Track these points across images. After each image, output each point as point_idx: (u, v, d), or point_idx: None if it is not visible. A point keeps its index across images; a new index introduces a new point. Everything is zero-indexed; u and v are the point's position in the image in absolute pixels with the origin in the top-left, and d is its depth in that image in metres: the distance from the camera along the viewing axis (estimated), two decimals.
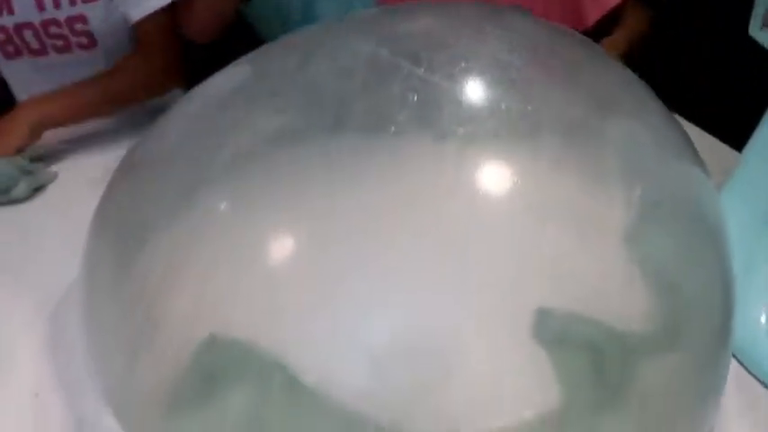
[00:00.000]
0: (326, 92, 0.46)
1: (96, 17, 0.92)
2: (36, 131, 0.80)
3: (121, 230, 0.50)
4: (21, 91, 0.99)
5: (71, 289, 0.56)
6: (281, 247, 0.44)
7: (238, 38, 1.00)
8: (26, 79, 0.97)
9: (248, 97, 0.49)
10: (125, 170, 0.54)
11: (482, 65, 0.47)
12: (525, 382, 0.40)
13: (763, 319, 0.50)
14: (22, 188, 0.72)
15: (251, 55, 0.52)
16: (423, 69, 0.44)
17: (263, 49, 0.53)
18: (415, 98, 0.44)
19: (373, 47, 0.46)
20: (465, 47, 0.48)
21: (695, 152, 0.48)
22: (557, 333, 0.42)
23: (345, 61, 0.47)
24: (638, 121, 0.50)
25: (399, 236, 0.42)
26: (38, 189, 0.75)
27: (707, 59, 0.99)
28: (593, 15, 0.87)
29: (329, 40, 0.51)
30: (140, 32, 0.95)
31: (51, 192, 0.75)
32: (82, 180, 0.74)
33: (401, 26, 0.52)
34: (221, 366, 0.41)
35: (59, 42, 0.93)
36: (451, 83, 0.46)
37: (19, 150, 0.77)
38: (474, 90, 0.47)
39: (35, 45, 0.93)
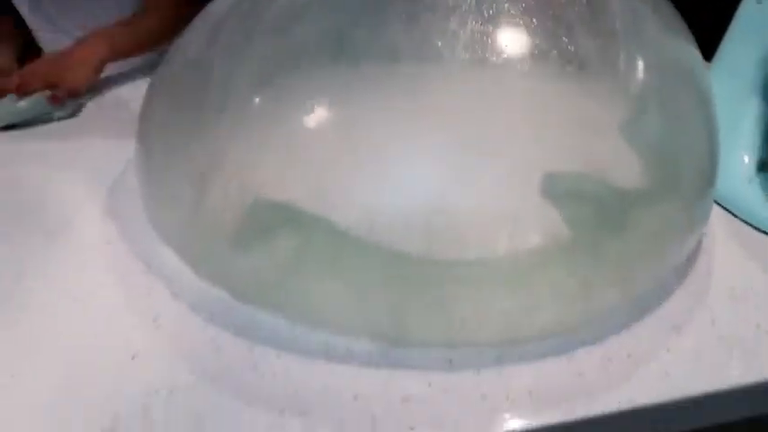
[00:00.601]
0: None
1: None
2: (103, 63, 0.84)
3: (174, 112, 0.56)
4: (35, 25, 1.01)
5: (126, 167, 0.63)
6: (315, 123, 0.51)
7: None
8: (42, 15, 0.98)
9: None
10: (169, 66, 0.60)
11: None
12: (539, 222, 0.48)
13: (744, 169, 0.56)
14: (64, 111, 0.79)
15: None
16: None
17: None
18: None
19: None
20: None
21: (688, 31, 0.54)
22: (563, 189, 0.50)
23: None
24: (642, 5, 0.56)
25: (426, 112, 0.49)
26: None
27: None
28: None
29: None
30: None
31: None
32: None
33: None
34: (272, 218, 0.48)
35: None
36: None
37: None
38: None
39: None
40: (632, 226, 0.51)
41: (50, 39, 1.01)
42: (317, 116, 0.52)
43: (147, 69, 0.91)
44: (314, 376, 0.41)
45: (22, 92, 0.75)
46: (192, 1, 0.97)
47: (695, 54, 0.54)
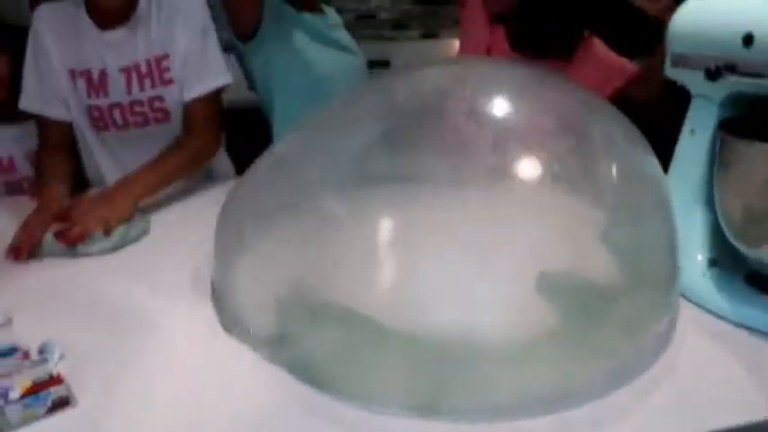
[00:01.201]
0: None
1: (172, 96, 1.16)
2: (137, 202, 1.01)
3: (248, 219, 0.73)
4: (100, 156, 1.21)
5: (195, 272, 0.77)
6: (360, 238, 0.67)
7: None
8: (106, 149, 1.20)
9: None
10: (247, 178, 0.77)
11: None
12: (532, 313, 0.62)
13: (698, 265, 0.70)
14: (133, 235, 0.96)
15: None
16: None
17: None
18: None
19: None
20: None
21: (648, 146, 0.70)
22: (553, 285, 0.64)
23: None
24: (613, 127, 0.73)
25: (451, 225, 0.66)
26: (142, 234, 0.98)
27: None
28: (617, 82, 1.06)
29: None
30: (192, 112, 1.17)
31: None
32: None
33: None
34: (324, 313, 0.63)
35: (140, 119, 1.17)
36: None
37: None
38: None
39: (120, 121, 1.16)
40: (612, 314, 0.64)
41: (108, 167, 1.21)
42: (365, 230, 0.68)
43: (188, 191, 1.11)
44: None
45: (85, 236, 0.91)
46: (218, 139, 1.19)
47: (658, 169, 0.70)
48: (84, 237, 0.90)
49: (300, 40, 1.26)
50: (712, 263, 0.71)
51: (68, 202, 1.00)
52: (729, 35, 0.63)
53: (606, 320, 0.64)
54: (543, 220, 0.71)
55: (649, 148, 0.71)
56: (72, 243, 0.90)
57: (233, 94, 1.25)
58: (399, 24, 2.68)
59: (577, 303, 0.65)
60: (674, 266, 0.67)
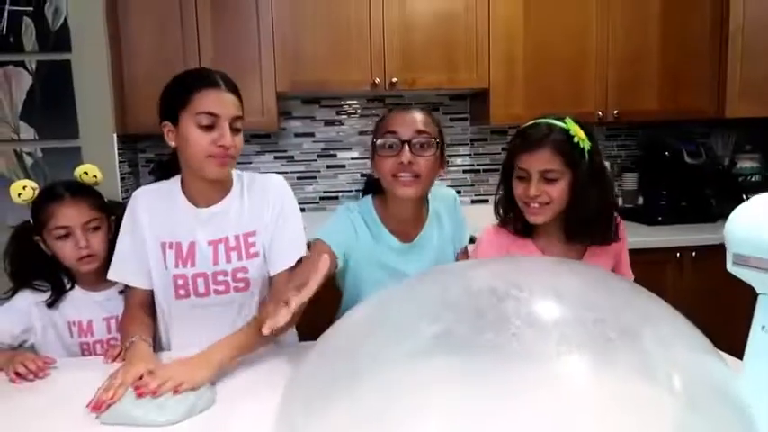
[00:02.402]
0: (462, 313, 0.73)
1: (255, 268, 1.24)
2: (217, 371, 1.06)
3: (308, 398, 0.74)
4: (173, 322, 1.27)
5: None
6: None
7: None
8: (182, 314, 1.26)
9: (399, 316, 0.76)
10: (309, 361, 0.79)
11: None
12: None
13: None
14: (206, 401, 0.99)
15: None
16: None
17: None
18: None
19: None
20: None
21: (715, 350, 0.70)
22: None
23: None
24: (673, 330, 0.74)
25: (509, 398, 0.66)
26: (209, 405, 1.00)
27: None
28: None
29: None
30: (276, 285, 1.25)
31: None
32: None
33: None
34: None
35: (221, 287, 1.24)
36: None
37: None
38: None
39: (202, 289, 1.24)
40: None
41: (179, 334, 1.26)
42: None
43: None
44: None
45: (157, 392, 0.96)
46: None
47: (723, 367, 0.69)
48: (156, 392, 0.94)
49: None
50: None
51: (154, 364, 1.05)
52: None
53: None
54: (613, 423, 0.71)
55: (712, 347, 0.71)
56: (144, 395, 0.94)
57: None
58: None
59: None
60: None
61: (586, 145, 1.19)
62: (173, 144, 1.20)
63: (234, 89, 1.20)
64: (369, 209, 1.26)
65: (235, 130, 1.18)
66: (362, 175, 2.75)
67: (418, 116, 1.20)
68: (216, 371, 1.05)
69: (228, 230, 1.24)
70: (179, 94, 1.17)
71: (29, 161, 2.16)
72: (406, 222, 1.26)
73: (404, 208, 1.24)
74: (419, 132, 1.18)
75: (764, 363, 0.72)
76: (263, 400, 0.83)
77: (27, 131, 2.16)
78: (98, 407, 0.94)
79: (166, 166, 1.30)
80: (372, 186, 1.30)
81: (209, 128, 1.15)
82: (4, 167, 2.15)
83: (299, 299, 0.90)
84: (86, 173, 1.33)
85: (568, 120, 1.21)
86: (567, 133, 1.18)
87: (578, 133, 1.18)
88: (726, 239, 0.77)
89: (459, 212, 1.39)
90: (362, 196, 1.32)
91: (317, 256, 1.08)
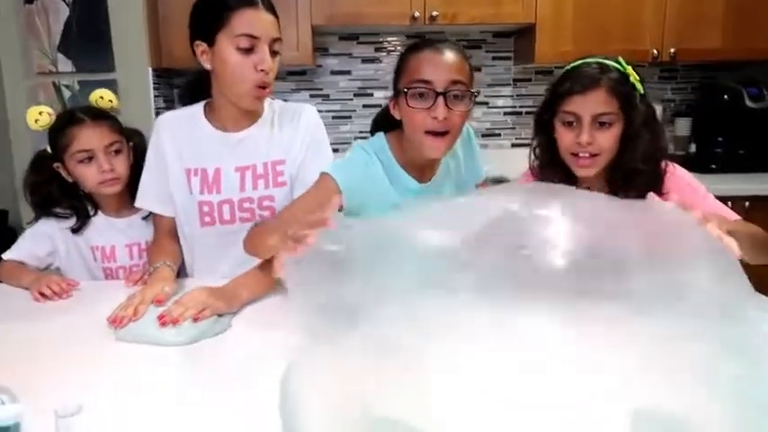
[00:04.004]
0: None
1: (282, 197, 1.21)
2: (248, 300, 1.07)
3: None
4: (198, 250, 1.25)
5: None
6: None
7: None
8: (206, 242, 1.25)
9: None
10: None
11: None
12: None
13: None
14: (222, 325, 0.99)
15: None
16: None
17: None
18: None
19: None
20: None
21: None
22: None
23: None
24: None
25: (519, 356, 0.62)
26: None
27: None
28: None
29: None
30: None
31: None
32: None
33: None
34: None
35: (247, 215, 1.22)
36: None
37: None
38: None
39: (228, 216, 1.22)
40: None
41: (203, 260, 1.26)
42: (440, 355, 0.65)
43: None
44: None
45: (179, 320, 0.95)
46: None
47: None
48: (178, 321, 0.94)
49: None
50: None
51: (173, 286, 1.07)
52: None
53: None
54: (638, 352, 0.66)
55: (751, 289, 0.65)
56: (167, 324, 0.94)
57: None
58: (491, 134, 2.73)
59: None
60: None
61: (641, 88, 1.08)
62: (208, 66, 1.16)
63: (272, 8, 1.15)
64: (384, 149, 1.16)
65: (273, 53, 1.14)
66: None
67: (452, 59, 1.06)
68: (238, 306, 1.06)
69: (257, 158, 1.21)
70: (215, 12, 1.11)
71: (66, 93, 2.18)
72: (424, 164, 1.16)
73: (426, 156, 1.14)
74: (454, 83, 1.04)
75: None
76: (276, 328, 0.81)
77: (65, 64, 2.17)
78: (118, 321, 0.95)
79: (197, 89, 1.26)
80: (385, 122, 1.19)
81: (248, 50, 1.10)
82: (42, 99, 2.17)
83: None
84: (102, 97, 1.31)
85: (620, 59, 1.10)
86: (622, 73, 1.07)
87: (633, 74, 1.08)
88: None
89: (473, 144, 1.29)
90: (372, 134, 1.22)
91: (324, 194, 1.03)
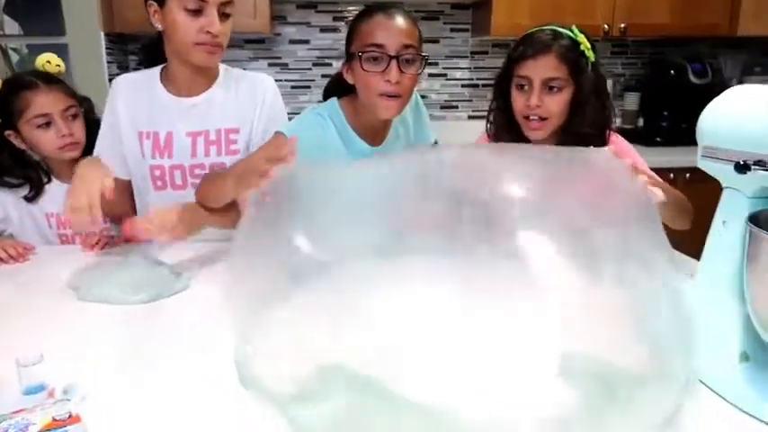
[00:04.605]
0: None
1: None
2: (209, 221, 1.13)
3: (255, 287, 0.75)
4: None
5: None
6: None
7: None
8: (160, 207, 1.24)
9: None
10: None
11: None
12: (549, 394, 0.61)
13: (728, 359, 0.68)
14: (181, 284, 1.01)
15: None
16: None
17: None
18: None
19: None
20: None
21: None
22: (577, 368, 0.64)
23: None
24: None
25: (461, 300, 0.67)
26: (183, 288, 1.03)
27: None
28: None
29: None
30: None
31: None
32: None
33: None
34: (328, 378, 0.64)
35: (198, 181, 1.22)
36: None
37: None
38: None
39: (179, 182, 1.23)
40: (629, 399, 0.63)
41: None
42: (370, 298, 0.69)
43: None
44: None
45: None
46: None
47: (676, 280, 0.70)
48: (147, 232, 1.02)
49: None
50: (744, 357, 0.69)
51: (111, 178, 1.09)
52: (757, 131, 0.64)
53: (623, 408, 0.62)
54: (569, 301, 0.72)
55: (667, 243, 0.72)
56: (133, 236, 1.01)
57: None
58: (448, 106, 2.77)
59: (597, 389, 0.64)
60: (691, 359, 0.66)
61: (591, 56, 1.13)
62: (159, 27, 1.15)
63: None
64: (337, 112, 1.19)
65: (224, 15, 1.14)
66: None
67: (404, 24, 1.09)
68: (198, 223, 1.12)
69: (209, 124, 1.22)
70: None
71: (14, 57, 2.12)
72: (376, 128, 1.20)
73: (379, 118, 1.18)
74: (406, 47, 1.08)
75: (721, 258, 0.71)
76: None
77: (11, 26, 2.10)
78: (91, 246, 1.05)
79: (153, 52, 1.25)
80: (337, 89, 1.21)
81: (196, 12, 1.10)
82: None
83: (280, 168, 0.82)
84: (49, 62, 1.29)
85: (574, 28, 1.15)
86: (573, 41, 1.12)
87: (584, 42, 1.13)
88: (697, 134, 0.75)
89: (421, 111, 1.34)
90: (325, 98, 1.24)
91: (276, 148, 1.04)
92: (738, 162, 0.66)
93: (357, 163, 1.00)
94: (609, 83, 2.57)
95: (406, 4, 2.58)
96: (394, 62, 1.07)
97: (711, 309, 0.71)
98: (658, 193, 0.78)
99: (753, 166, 0.65)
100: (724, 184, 0.72)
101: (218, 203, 1.11)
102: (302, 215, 0.75)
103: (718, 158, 0.70)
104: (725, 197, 0.72)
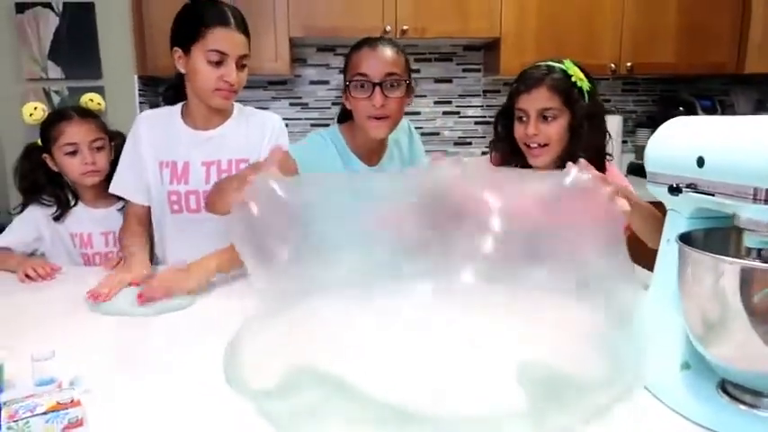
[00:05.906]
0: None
1: None
2: (209, 278, 1.19)
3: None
4: (170, 236, 1.39)
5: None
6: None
7: None
8: (176, 228, 1.38)
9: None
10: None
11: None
12: (507, 395, 0.68)
13: (670, 368, 0.73)
14: (187, 301, 1.11)
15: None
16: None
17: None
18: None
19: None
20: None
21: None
22: (531, 375, 0.71)
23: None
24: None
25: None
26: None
27: None
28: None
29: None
30: None
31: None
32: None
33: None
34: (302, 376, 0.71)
35: None
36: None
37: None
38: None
39: (194, 206, 1.35)
40: (575, 402, 0.69)
41: (174, 247, 1.39)
42: (361, 316, 0.78)
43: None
44: None
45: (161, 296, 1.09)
46: None
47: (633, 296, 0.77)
48: (156, 299, 1.08)
49: None
50: (685, 366, 0.74)
51: (149, 270, 1.20)
52: (687, 158, 0.71)
53: (569, 408, 0.68)
54: (526, 312, 0.80)
55: (628, 259, 0.79)
56: (144, 302, 1.07)
57: None
58: (462, 142, 2.87)
59: (543, 392, 0.70)
60: (639, 368, 0.72)
61: (585, 85, 1.23)
62: (182, 70, 1.30)
63: (244, 28, 1.29)
64: (337, 135, 1.34)
65: (240, 66, 1.28)
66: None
67: (387, 54, 1.23)
68: (206, 277, 1.18)
69: (222, 154, 1.35)
70: (193, 26, 1.25)
71: (56, 99, 2.31)
72: (372, 149, 1.33)
73: (373, 138, 1.31)
74: (389, 74, 1.22)
75: (666, 274, 0.77)
76: (235, 297, 0.97)
77: (54, 70, 2.30)
78: (95, 297, 1.07)
79: (176, 91, 1.39)
80: (343, 119, 1.37)
81: (217, 63, 1.24)
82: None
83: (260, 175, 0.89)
84: (92, 100, 1.46)
85: (567, 61, 1.25)
86: (564, 73, 1.22)
87: (576, 73, 1.22)
88: (644, 161, 0.82)
89: (414, 137, 1.47)
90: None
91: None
92: (671, 185, 0.73)
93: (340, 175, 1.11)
94: (620, 119, 2.65)
95: (420, 47, 2.73)
96: (378, 88, 1.21)
97: (659, 321, 0.77)
98: (624, 205, 0.84)
99: (684, 189, 0.71)
100: (667, 207, 0.79)
101: (221, 211, 1.18)
102: (278, 223, 0.85)
103: (658, 183, 0.77)
104: (668, 218, 0.79)
